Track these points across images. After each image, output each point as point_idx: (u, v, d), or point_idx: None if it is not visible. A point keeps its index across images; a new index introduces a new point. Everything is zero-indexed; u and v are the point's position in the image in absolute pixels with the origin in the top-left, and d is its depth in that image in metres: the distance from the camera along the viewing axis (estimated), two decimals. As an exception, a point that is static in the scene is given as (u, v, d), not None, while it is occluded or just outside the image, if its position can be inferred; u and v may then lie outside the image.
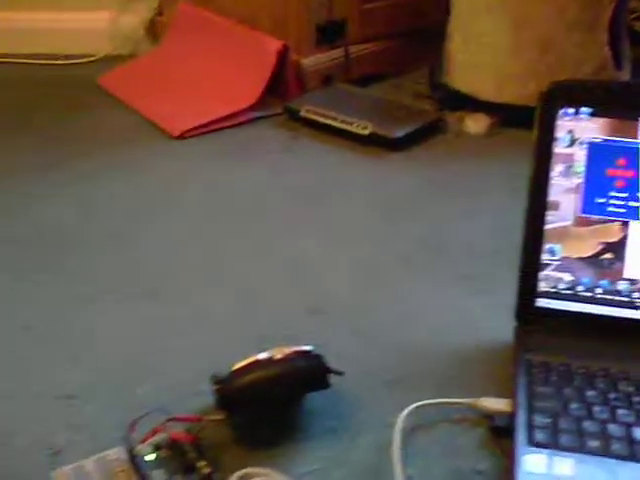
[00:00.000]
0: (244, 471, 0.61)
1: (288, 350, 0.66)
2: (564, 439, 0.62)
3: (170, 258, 0.95)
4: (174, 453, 0.63)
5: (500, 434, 0.65)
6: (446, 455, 0.64)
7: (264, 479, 0.60)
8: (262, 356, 0.66)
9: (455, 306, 0.83)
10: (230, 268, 0.92)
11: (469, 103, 1.30)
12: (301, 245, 0.96)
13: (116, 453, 0.64)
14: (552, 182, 0.73)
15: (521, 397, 0.66)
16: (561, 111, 0.73)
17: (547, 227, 0.73)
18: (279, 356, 0.65)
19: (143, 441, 0.63)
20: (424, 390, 0.69)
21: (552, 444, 0.61)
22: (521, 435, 0.62)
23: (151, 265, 0.93)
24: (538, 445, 0.61)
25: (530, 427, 0.63)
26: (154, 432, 0.63)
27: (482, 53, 1.27)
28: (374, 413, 0.69)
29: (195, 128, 1.28)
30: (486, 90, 1.28)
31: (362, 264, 0.92)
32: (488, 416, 0.67)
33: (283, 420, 0.68)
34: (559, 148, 0.73)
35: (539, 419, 0.64)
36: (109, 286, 0.89)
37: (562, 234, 0.74)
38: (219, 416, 0.65)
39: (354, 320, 0.81)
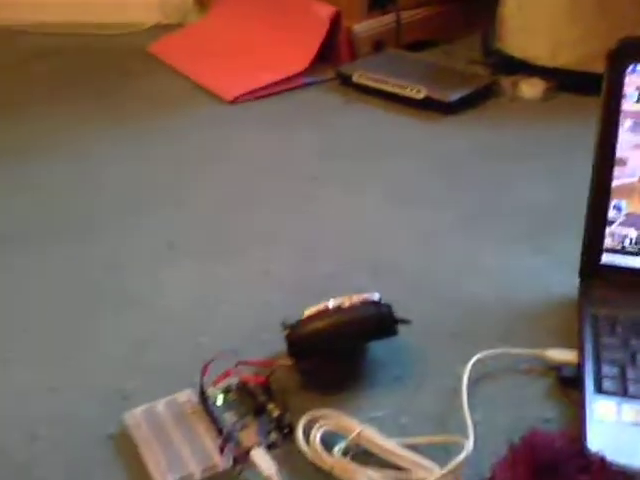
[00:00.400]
0: (315, 413, 0.61)
1: (357, 298, 0.66)
2: (633, 388, 0.62)
3: (226, 217, 0.96)
4: (244, 396, 0.64)
5: (567, 384, 0.65)
6: (512, 404, 0.64)
7: (334, 421, 0.61)
8: (331, 303, 0.66)
9: (518, 264, 0.83)
10: (288, 227, 0.93)
11: (523, 68, 1.29)
12: (359, 204, 0.97)
13: (186, 396, 0.65)
14: (620, 139, 0.72)
15: (588, 348, 0.66)
16: (630, 68, 0.72)
17: (614, 183, 0.73)
18: (348, 304, 0.66)
19: (214, 384, 0.64)
20: (488, 343, 0.69)
21: (621, 393, 0.61)
22: (590, 384, 0.62)
23: (208, 223, 0.94)
24: (607, 393, 0.61)
25: (598, 377, 0.63)
26: (225, 375, 0.64)
27: (537, 18, 1.26)
28: (438, 363, 0.69)
29: (248, 93, 1.29)
30: (541, 55, 1.26)
31: (422, 222, 0.92)
32: (554, 367, 0.67)
33: (350, 367, 0.68)
34: (627, 105, 0.72)
35: (607, 369, 0.64)
36: (170, 242, 0.90)
37: (629, 190, 0.73)
38: (288, 362, 0.66)
39: (415, 276, 0.81)
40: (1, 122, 1.26)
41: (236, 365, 0.65)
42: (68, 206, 1.00)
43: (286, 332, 0.66)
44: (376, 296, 0.67)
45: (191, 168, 1.08)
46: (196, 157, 1.11)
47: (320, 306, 0.66)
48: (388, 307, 0.66)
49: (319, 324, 0.65)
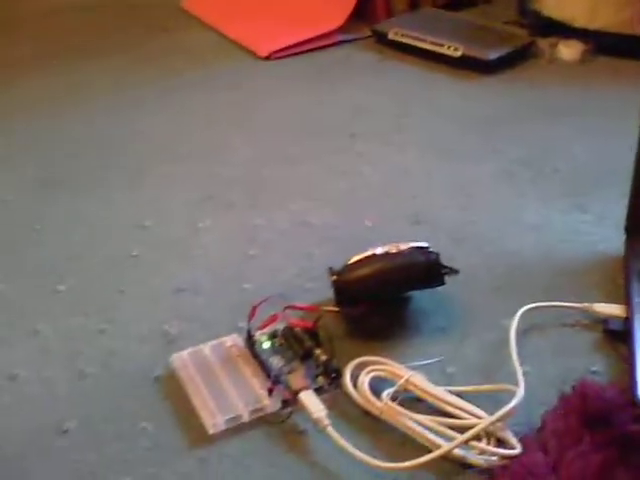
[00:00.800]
0: (362, 359, 0.61)
1: (404, 245, 0.65)
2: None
3: (264, 170, 0.95)
4: (290, 341, 0.64)
5: (614, 337, 0.65)
6: (560, 355, 0.64)
7: (382, 367, 0.61)
8: (378, 250, 0.66)
9: (560, 220, 0.82)
10: (327, 181, 0.92)
11: (561, 30, 1.26)
12: (398, 160, 0.96)
13: (232, 340, 0.65)
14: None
15: (636, 302, 0.65)
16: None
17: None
18: (395, 250, 0.65)
19: (260, 328, 0.64)
20: (532, 297, 0.69)
21: (671, 346, 0.61)
22: (639, 337, 0.62)
23: (246, 176, 0.94)
24: (657, 346, 0.61)
25: (647, 329, 0.63)
26: (272, 320, 0.64)
27: (575, -22, 1.24)
28: (483, 315, 0.68)
29: (282, 49, 1.28)
30: (579, 16, 1.24)
31: (463, 178, 0.91)
32: (601, 320, 0.66)
33: (394, 316, 0.68)
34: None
35: (656, 323, 0.63)
36: (210, 194, 0.90)
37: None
38: (334, 308, 0.66)
39: (458, 231, 0.81)
40: (38, 73, 1.26)
41: (284, 309, 0.65)
42: (109, 156, 1.00)
43: (333, 278, 0.65)
44: (424, 244, 0.66)
45: (227, 122, 1.08)
46: (231, 112, 1.11)
47: (367, 252, 0.66)
48: (437, 255, 0.66)
49: (367, 270, 0.64)
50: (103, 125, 1.09)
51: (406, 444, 0.56)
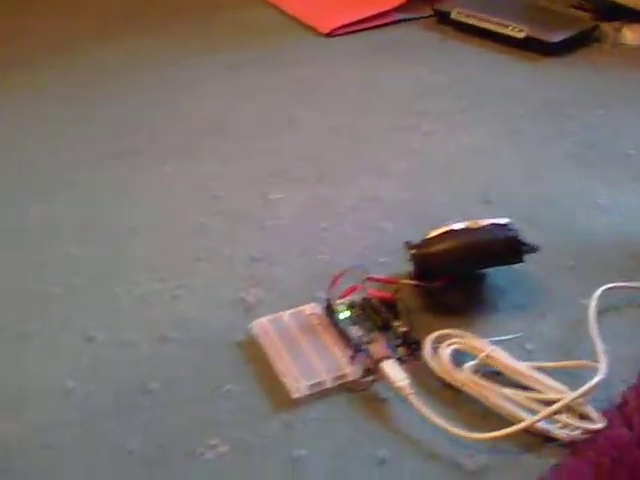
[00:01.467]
0: (442, 332, 0.62)
1: (484, 222, 0.66)
2: None
3: (333, 146, 0.95)
4: (369, 312, 0.64)
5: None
6: (637, 336, 0.64)
7: (463, 341, 0.61)
8: (458, 226, 0.66)
9: (631, 203, 0.82)
10: (396, 158, 0.92)
11: (625, 13, 1.25)
12: (466, 139, 0.96)
13: (311, 309, 0.66)
14: None
15: None
16: None
17: None
18: (476, 226, 0.65)
19: (340, 298, 0.65)
20: (607, 277, 0.69)
21: None
22: None
23: (314, 151, 0.94)
24: None
25: None
26: (351, 290, 0.65)
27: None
28: (560, 294, 0.69)
29: (344, 26, 1.28)
30: (644, 0, 1.23)
31: (532, 159, 0.91)
32: (680, 303, 0.66)
33: (471, 292, 0.69)
34: None
35: None
36: (280, 168, 0.91)
37: None
38: (412, 281, 0.66)
39: (528, 210, 0.81)
40: (103, 46, 1.27)
41: (364, 281, 0.65)
42: (176, 128, 1.01)
43: (412, 251, 0.66)
44: (505, 220, 0.66)
45: (292, 98, 1.08)
46: (296, 88, 1.11)
47: (446, 227, 0.66)
48: (517, 232, 0.66)
49: (447, 244, 0.65)
50: (169, 98, 1.09)
51: (486, 416, 0.57)
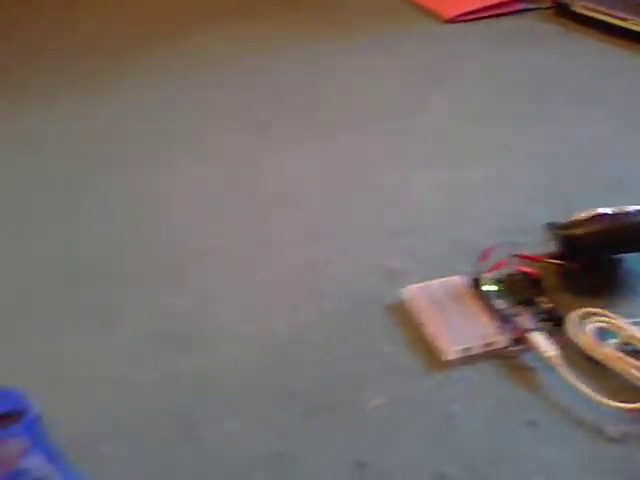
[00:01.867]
0: (586, 310, 0.65)
1: (631, 208, 0.69)
2: None
3: (460, 130, 0.99)
4: (514, 287, 0.68)
5: None
6: None
7: (605, 319, 0.64)
8: (603, 210, 0.69)
9: None
10: (524, 143, 0.95)
11: None
12: (596, 129, 0.98)
13: (458, 280, 0.70)
14: None
15: None
16: None
17: None
18: (621, 212, 0.68)
19: (487, 271, 0.69)
20: None
21: None
22: None
23: (445, 133, 0.98)
24: None
25: None
26: (498, 265, 0.69)
27: None
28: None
29: (465, 14, 1.31)
30: None
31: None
32: None
33: (612, 274, 0.72)
34: None
35: None
36: (411, 149, 0.95)
37: None
38: (557, 261, 0.70)
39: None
40: (214, 27, 1.33)
41: (511, 257, 0.69)
42: (309, 106, 1.07)
43: (558, 232, 0.69)
44: (649, 207, 0.69)
45: (420, 82, 1.12)
46: (422, 72, 1.15)
47: (591, 211, 0.69)
48: (662, 219, 0.69)
49: (596, 226, 0.68)
50: (296, 76, 1.15)
51: (627, 389, 0.60)
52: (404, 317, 0.68)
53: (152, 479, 0.55)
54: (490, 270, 0.69)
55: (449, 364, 0.63)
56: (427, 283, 0.70)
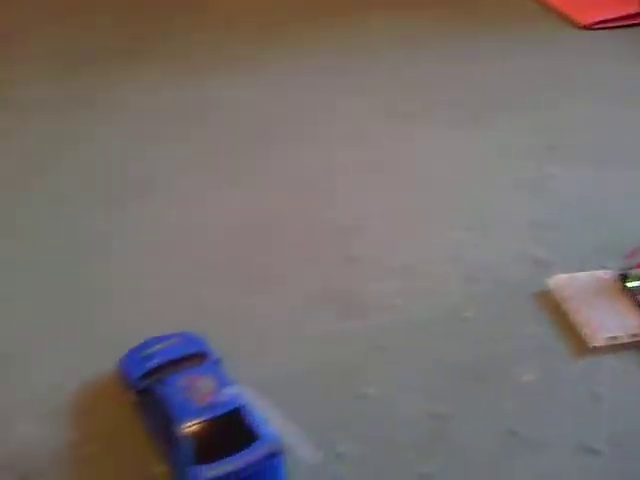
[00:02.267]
0: None
1: None
2: None
3: (584, 131, 1.02)
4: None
5: None
6: None
7: None
8: None
9: None
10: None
11: None
12: None
13: (605, 274, 0.74)
14: None
15: None
16: None
17: None
18: None
19: (633, 268, 0.73)
20: None
21: None
22: None
23: (573, 133, 1.02)
24: None
25: None
26: (646, 261, 0.73)
27: None
28: None
29: (603, 21, 1.32)
30: None
31: None
32: None
33: None
34: None
35: None
36: (547, 144, 0.99)
37: None
38: None
39: None
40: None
41: (658, 256, 0.73)
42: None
43: None
44: None
45: (543, 84, 1.15)
46: (546, 75, 1.17)
47: None
48: None
49: None
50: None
51: None
52: (551, 304, 0.72)
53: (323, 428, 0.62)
54: (637, 267, 0.73)
55: (595, 350, 0.67)
56: (574, 274, 0.74)
